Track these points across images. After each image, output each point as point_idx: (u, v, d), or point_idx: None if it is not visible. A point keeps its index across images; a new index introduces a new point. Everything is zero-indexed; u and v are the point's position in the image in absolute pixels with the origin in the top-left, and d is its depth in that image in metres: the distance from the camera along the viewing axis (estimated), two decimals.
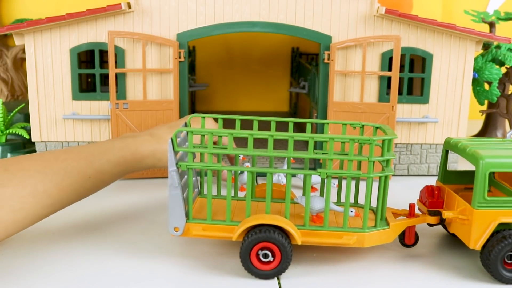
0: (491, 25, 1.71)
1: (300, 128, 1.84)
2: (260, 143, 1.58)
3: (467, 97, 1.39)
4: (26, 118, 1.62)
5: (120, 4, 1.27)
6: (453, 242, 0.98)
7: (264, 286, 0.81)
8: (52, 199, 0.72)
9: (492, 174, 0.98)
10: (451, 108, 1.39)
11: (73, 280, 0.81)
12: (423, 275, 0.85)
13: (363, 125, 0.95)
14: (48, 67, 1.32)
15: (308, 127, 0.97)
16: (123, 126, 1.32)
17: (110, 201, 1.19)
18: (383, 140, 0.82)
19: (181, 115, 1.35)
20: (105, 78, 1.41)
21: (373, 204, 0.95)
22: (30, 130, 1.48)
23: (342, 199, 1.14)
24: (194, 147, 0.82)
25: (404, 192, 1.13)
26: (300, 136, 0.80)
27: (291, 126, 0.95)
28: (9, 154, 1.46)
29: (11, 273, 0.83)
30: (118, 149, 0.83)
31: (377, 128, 0.92)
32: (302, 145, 1.65)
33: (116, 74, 1.31)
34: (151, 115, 1.33)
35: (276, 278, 0.83)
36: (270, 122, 0.95)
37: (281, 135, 0.80)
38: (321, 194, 0.97)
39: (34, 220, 0.74)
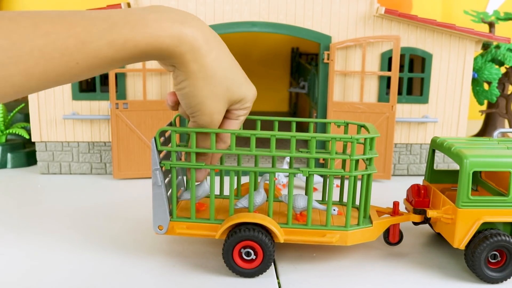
0: (491, 25, 1.71)
1: (299, 127, 1.84)
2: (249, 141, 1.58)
3: (467, 97, 1.39)
4: (26, 118, 1.62)
5: (120, 4, 1.27)
6: (438, 241, 0.98)
7: (264, 284, 0.81)
8: (16, 87, 0.50)
9: (478, 174, 0.98)
10: (450, 108, 1.39)
11: (66, 277, 0.82)
12: (408, 274, 0.86)
13: (347, 124, 0.95)
14: None
15: (293, 126, 0.97)
16: (123, 126, 1.32)
17: (99, 200, 1.19)
18: (365, 139, 0.82)
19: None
20: (105, 78, 1.41)
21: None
22: (30, 130, 1.48)
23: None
24: (178, 146, 0.83)
25: (403, 192, 1.13)
26: (282, 134, 0.80)
27: (276, 124, 0.96)
28: (9, 154, 1.46)
29: (9, 272, 0.83)
30: (129, 28, 0.55)
31: (361, 126, 0.93)
32: (302, 145, 1.65)
33: (116, 74, 1.31)
34: (151, 115, 1.33)
35: (276, 277, 0.83)
36: (261, 121, 0.96)
37: (264, 133, 0.81)
38: (323, 194, 0.98)
39: (36, 86, 0.53)
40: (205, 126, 0.71)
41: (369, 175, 0.85)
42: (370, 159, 0.84)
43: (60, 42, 0.51)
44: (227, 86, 0.67)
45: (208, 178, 0.87)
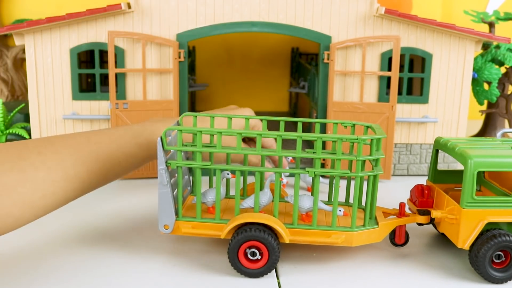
0: (491, 25, 1.71)
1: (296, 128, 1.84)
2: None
3: (467, 97, 1.39)
4: (26, 118, 1.62)
5: (120, 4, 1.27)
6: (442, 241, 0.98)
7: (264, 284, 0.81)
8: (83, 183, 0.70)
9: (482, 174, 0.98)
10: (450, 108, 1.39)
11: (66, 277, 0.82)
12: (411, 274, 0.86)
13: (354, 124, 0.95)
14: (48, 67, 1.32)
15: (300, 126, 0.98)
16: None
17: (109, 200, 1.19)
18: (372, 139, 0.82)
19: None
20: (105, 78, 1.41)
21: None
22: (30, 130, 1.48)
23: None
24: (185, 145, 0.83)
25: (403, 192, 1.13)
26: (289, 135, 0.80)
27: (282, 124, 0.96)
28: None
29: (11, 272, 0.83)
30: (148, 133, 0.80)
31: (367, 127, 0.93)
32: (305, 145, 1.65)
33: (116, 74, 1.31)
34: (151, 115, 1.33)
35: (275, 277, 0.83)
36: (261, 121, 0.96)
37: (270, 134, 0.81)
38: (329, 195, 0.98)
39: (63, 203, 0.71)
40: None
41: (375, 176, 0.84)
42: (376, 160, 0.84)
43: (106, 148, 0.73)
44: None
45: (268, 189, 0.88)
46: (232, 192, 1.17)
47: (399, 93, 1.39)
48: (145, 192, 1.26)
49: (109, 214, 1.10)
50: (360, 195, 0.85)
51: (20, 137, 1.57)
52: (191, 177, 0.99)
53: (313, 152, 0.85)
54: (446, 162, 1.43)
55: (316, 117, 1.42)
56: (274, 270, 0.85)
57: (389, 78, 1.35)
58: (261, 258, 0.82)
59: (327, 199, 1.01)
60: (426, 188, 0.94)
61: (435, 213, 0.87)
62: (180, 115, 1.35)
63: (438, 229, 0.92)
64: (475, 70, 1.51)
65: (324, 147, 1.36)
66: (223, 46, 2.24)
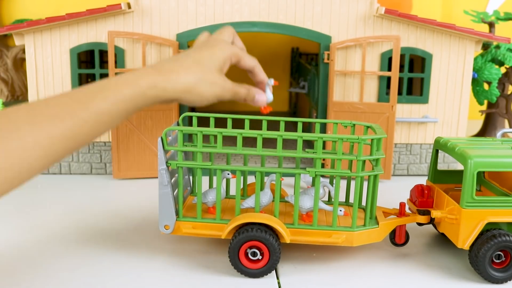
0: (491, 25, 1.71)
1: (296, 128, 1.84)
2: (254, 142, 1.59)
3: (467, 97, 1.39)
4: None
5: (120, 4, 1.27)
6: (442, 241, 0.98)
7: (264, 285, 0.81)
8: (45, 150, 0.63)
9: (482, 174, 0.98)
10: (450, 108, 1.39)
11: (66, 277, 0.82)
12: (411, 274, 0.86)
13: (354, 124, 0.95)
14: (48, 67, 1.32)
15: (300, 126, 0.98)
16: (123, 126, 1.32)
17: (109, 200, 1.19)
18: (372, 139, 0.82)
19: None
20: None
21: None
22: None
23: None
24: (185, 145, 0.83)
25: (403, 192, 1.13)
26: (289, 135, 0.80)
27: (282, 124, 0.96)
28: None
29: (9, 272, 0.83)
30: (114, 85, 0.71)
31: (368, 127, 0.93)
32: (304, 145, 1.65)
33: (116, 74, 1.31)
34: (151, 115, 1.33)
35: (276, 277, 0.83)
36: (262, 121, 0.96)
37: (271, 134, 0.81)
38: (329, 195, 0.98)
39: (30, 175, 0.65)
40: (225, 95, 0.75)
41: (375, 176, 0.85)
42: (376, 160, 0.84)
43: (67, 108, 0.66)
44: (210, 81, 0.73)
45: (268, 189, 0.88)
46: (232, 192, 1.17)
47: (399, 93, 1.39)
48: (145, 192, 1.26)
49: (109, 214, 1.10)
50: (361, 195, 0.85)
51: None
52: (190, 177, 0.99)
53: (314, 152, 0.85)
54: (446, 162, 1.43)
55: (316, 117, 1.42)
56: (274, 270, 0.85)
57: (389, 78, 1.35)
58: (261, 258, 0.82)
59: (327, 199, 1.02)
60: (426, 188, 0.94)
61: (435, 213, 0.87)
62: (180, 115, 1.35)
63: (438, 229, 0.92)
64: (475, 70, 1.51)
65: (323, 147, 1.36)
66: None
